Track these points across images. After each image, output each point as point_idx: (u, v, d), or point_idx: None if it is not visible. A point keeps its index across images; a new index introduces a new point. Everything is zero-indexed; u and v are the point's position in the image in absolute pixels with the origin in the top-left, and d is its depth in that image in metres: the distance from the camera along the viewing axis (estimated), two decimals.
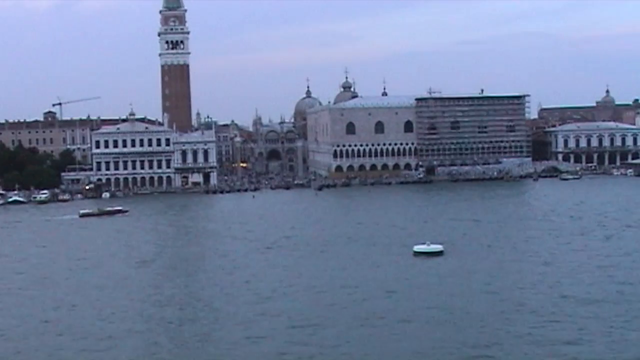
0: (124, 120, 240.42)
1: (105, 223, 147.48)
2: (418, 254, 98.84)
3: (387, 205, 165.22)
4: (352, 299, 74.41)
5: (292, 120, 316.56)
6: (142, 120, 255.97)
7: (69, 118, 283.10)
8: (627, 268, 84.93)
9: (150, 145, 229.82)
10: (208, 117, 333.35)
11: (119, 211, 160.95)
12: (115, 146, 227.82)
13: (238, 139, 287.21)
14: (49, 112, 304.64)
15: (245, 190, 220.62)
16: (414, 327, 63.62)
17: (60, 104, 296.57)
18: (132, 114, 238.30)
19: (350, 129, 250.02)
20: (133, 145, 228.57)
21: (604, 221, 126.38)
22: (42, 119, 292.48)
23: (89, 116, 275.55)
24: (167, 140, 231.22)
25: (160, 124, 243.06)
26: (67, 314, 72.39)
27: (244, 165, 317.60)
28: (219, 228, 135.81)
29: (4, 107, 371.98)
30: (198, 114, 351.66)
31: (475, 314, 66.84)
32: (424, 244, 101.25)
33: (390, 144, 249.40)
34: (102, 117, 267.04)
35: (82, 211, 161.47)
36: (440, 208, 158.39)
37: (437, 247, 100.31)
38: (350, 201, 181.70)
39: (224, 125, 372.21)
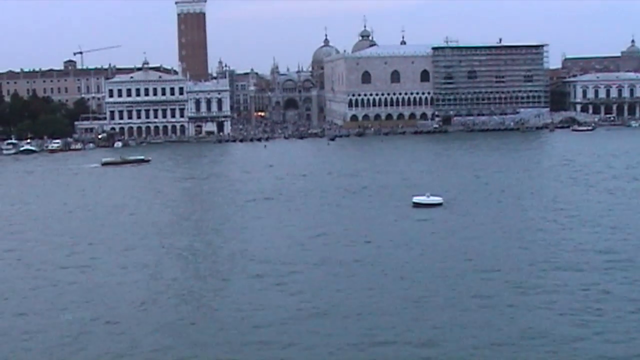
0: (138, 69, 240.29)
1: (128, 172, 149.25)
2: (417, 205, 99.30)
3: (397, 156, 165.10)
4: (336, 247, 75.52)
5: (310, 69, 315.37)
6: (157, 69, 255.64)
7: (90, 67, 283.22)
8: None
9: (163, 94, 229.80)
10: (226, 65, 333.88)
11: (142, 160, 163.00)
12: (129, 95, 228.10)
13: (252, 87, 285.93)
14: (69, 60, 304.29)
15: (259, 139, 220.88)
16: (390, 278, 64.33)
17: (81, 52, 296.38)
18: (146, 62, 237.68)
19: (366, 78, 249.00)
20: (147, 94, 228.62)
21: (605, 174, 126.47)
22: (62, 68, 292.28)
23: (110, 65, 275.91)
24: (181, 89, 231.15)
25: (177, 73, 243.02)
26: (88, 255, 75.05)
27: (262, 114, 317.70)
28: (230, 176, 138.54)
29: (24, 56, 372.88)
30: (220, 62, 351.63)
31: (455, 267, 67.03)
32: (423, 195, 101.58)
33: (406, 94, 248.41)
34: (122, 66, 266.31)
35: (104, 159, 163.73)
36: (449, 159, 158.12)
37: (437, 199, 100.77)
38: (361, 151, 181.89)
39: (244, 74, 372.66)
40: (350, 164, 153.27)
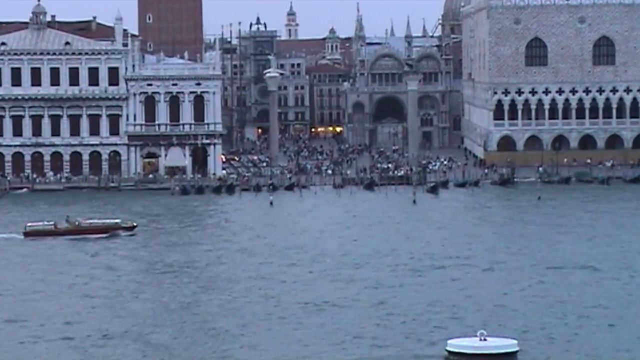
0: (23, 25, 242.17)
1: (99, 254, 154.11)
2: (454, 357, 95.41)
3: (531, 239, 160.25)
4: None
5: (435, 33, 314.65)
6: (81, 25, 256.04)
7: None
8: None
9: (74, 82, 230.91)
10: (258, 22, 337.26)
11: (116, 227, 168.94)
12: None
13: (274, 73, 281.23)
14: None
15: (272, 186, 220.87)
16: None
17: None
18: (40, 11, 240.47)
19: (534, 52, 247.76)
20: (36, 83, 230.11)
21: None
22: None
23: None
24: (114, 71, 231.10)
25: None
26: None
27: (338, 129, 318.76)
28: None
29: None
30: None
31: None
32: (472, 336, 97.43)
33: (625, 90, 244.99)
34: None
35: (30, 225, 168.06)
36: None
37: (501, 344, 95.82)
38: (473, 221, 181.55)
39: (318, 39, 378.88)
40: (408, 255, 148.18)
